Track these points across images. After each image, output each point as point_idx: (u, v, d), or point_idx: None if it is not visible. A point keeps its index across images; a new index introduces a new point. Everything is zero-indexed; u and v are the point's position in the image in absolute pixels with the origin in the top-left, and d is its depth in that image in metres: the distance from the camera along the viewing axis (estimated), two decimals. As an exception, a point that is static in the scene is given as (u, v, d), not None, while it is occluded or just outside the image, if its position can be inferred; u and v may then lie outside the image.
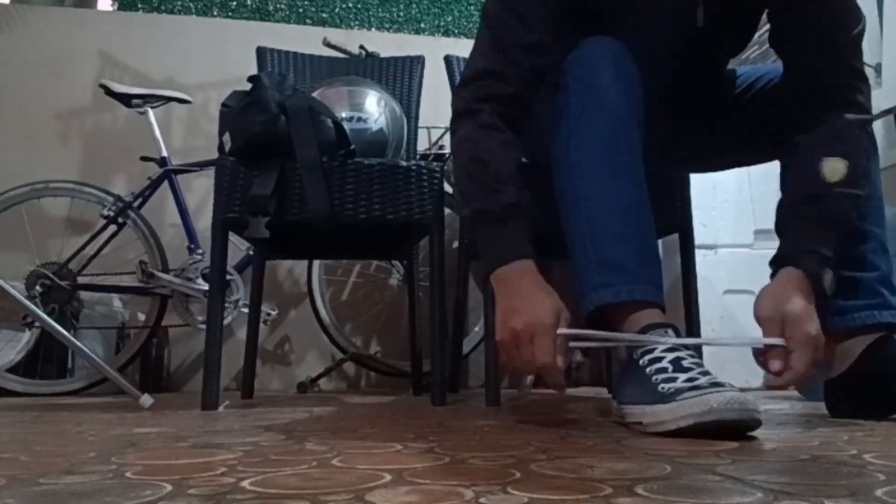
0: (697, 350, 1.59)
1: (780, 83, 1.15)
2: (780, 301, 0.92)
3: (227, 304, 2.10)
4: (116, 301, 2.36)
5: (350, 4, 2.93)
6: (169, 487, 0.50)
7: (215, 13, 2.81)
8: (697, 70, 1.18)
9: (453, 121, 1.07)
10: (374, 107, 1.67)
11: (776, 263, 1.00)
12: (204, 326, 1.59)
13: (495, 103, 1.03)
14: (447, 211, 2.15)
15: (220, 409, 1.38)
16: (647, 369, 0.88)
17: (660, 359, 0.88)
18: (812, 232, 0.97)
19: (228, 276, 2.11)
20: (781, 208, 1.04)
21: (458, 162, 1.04)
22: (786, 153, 1.07)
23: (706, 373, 0.86)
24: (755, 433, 0.81)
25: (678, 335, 0.92)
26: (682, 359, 0.88)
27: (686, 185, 1.60)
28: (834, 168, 0.98)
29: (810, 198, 0.99)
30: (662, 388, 0.85)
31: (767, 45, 1.15)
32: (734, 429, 0.78)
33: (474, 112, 1.03)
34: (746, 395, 0.80)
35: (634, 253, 0.97)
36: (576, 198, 1.01)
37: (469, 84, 1.06)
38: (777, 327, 0.91)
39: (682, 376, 0.85)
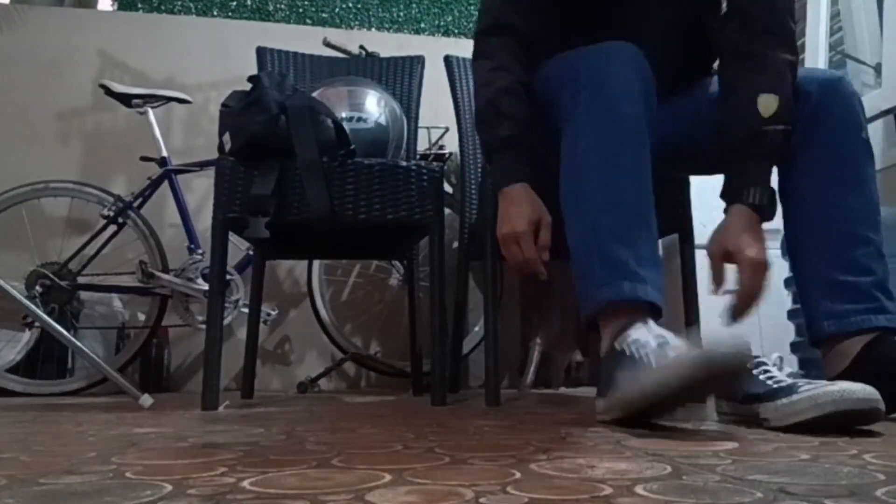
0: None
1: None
2: (726, 237, 1.05)
3: (227, 304, 2.09)
4: (116, 301, 2.36)
5: (350, 4, 2.93)
6: (169, 487, 0.50)
7: (215, 13, 2.81)
8: (689, 43, 1.24)
9: (474, 60, 1.29)
10: (374, 107, 1.67)
11: (725, 199, 1.09)
12: (204, 326, 1.59)
13: (507, 51, 1.22)
14: (447, 211, 2.15)
15: (220, 409, 1.38)
16: (636, 354, 0.89)
17: (645, 343, 0.89)
18: (754, 168, 1.08)
19: (228, 276, 2.11)
20: (724, 146, 1.11)
21: (476, 97, 1.25)
22: (721, 90, 1.16)
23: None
24: (755, 432, 0.81)
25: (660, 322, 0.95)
26: (667, 343, 0.89)
27: (686, 185, 1.60)
28: (767, 104, 1.07)
29: (750, 137, 1.08)
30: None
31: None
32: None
33: (488, 55, 1.24)
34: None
35: (637, 254, 0.98)
36: (581, 199, 1.02)
37: (485, 34, 1.26)
38: (723, 260, 1.05)
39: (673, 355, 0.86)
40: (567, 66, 1.10)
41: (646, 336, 0.90)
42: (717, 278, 1.06)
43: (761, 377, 0.94)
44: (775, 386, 0.89)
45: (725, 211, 1.09)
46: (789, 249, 1.15)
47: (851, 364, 1.02)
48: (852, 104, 1.10)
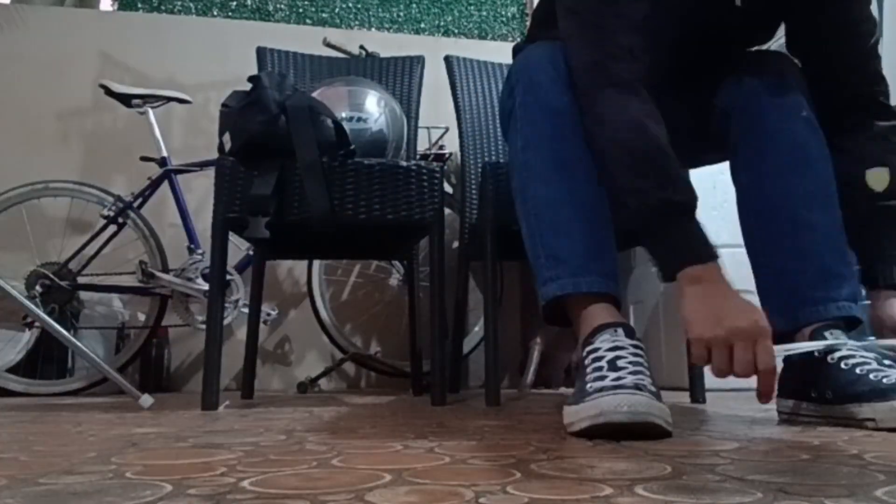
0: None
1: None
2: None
3: (227, 304, 2.10)
4: (116, 301, 2.36)
5: (350, 4, 2.93)
6: (169, 487, 0.50)
7: (215, 13, 2.81)
8: (722, 54, 1.16)
9: (588, 92, 0.98)
10: (374, 107, 1.67)
11: (871, 283, 1.04)
12: (204, 326, 1.59)
13: (640, 82, 0.96)
14: (447, 211, 2.15)
15: (220, 409, 1.38)
16: (588, 368, 0.87)
17: (601, 357, 0.87)
18: (888, 245, 1.06)
19: (228, 276, 2.11)
20: (853, 224, 1.05)
21: (614, 143, 0.94)
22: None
23: (639, 372, 0.84)
24: (755, 432, 0.81)
25: (629, 334, 0.90)
26: (621, 357, 0.86)
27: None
28: (878, 177, 1.03)
29: (871, 215, 1.04)
30: (589, 388, 0.83)
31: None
32: (632, 431, 0.76)
33: (627, 85, 0.95)
34: (646, 400, 0.77)
35: (581, 246, 0.98)
36: (526, 197, 1.04)
37: (609, 63, 0.97)
38: None
39: (612, 375, 0.83)
40: (510, 69, 1.12)
41: (604, 347, 0.88)
42: None
43: (857, 371, 0.88)
44: (886, 382, 0.83)
45: (870, 291, 1.04)
46: (746, 244, 1.12)
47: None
48: (788, 83, 1.07)
